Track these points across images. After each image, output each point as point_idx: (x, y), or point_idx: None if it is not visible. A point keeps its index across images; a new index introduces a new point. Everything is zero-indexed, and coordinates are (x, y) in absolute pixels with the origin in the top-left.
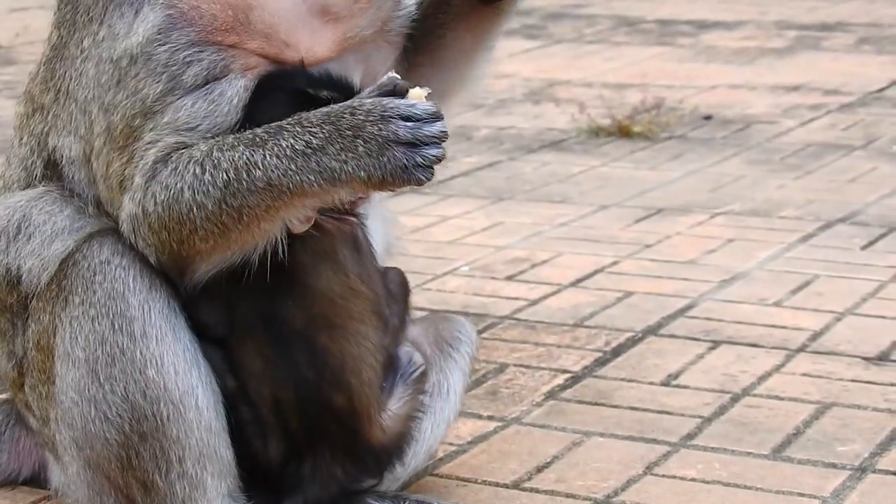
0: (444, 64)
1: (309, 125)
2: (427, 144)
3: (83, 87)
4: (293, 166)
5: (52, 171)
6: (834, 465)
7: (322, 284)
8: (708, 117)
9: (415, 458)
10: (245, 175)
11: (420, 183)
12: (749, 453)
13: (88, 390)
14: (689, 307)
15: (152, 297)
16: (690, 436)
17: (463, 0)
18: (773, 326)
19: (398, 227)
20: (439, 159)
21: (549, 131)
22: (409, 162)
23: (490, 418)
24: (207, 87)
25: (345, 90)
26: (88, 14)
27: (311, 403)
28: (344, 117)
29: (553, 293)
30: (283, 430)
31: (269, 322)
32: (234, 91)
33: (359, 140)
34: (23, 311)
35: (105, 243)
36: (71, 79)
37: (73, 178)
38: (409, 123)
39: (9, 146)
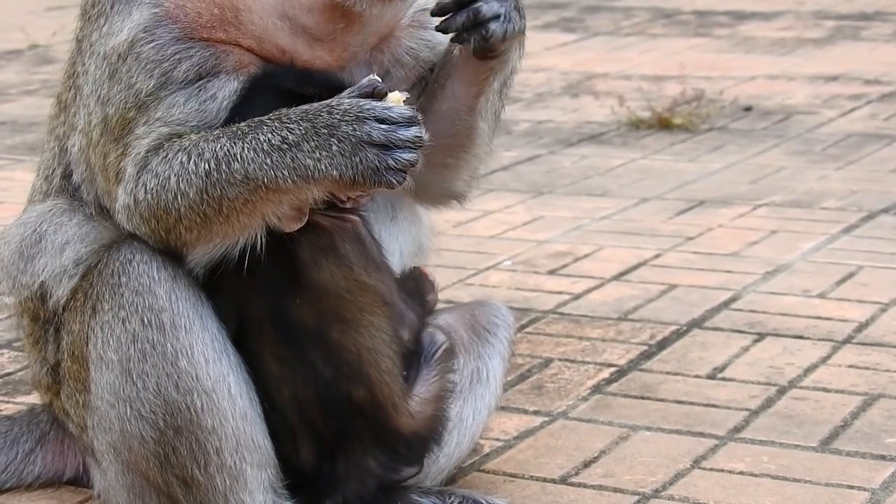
0: (444, 115)
1: (287, 121)
2: (401, 148)
3: (86, 81)
4: (269, 161)
5: (67, 181)
6: (883, 457)
7: (325, 279)
8: (748, 108)
9: (458, 447)
10: (224, 166)
11: (391, 186)
12: (797, 446)
13: (123, 390)
14: (733, 299)
15: (178, 285)
16: (738, 429)
17: (461, 51)
18: (818, 318)
19: (432, 227)
20: (412, 164)
21: (587, 124)
22: (381, 164)
23: (536, 413)
24: (199, 83)
25: (335, 90)
26: (96, 8)
27: (333, 401)
28: (321, 115)
29: (596, 287)
30: (310, 432)
31: (279, 322)
32: (226, 94)
33: (333, 139)
34: (54, 320)
35: (123, 246)
36: (80, 75)
37: (79, 180)
38: (383, 126)
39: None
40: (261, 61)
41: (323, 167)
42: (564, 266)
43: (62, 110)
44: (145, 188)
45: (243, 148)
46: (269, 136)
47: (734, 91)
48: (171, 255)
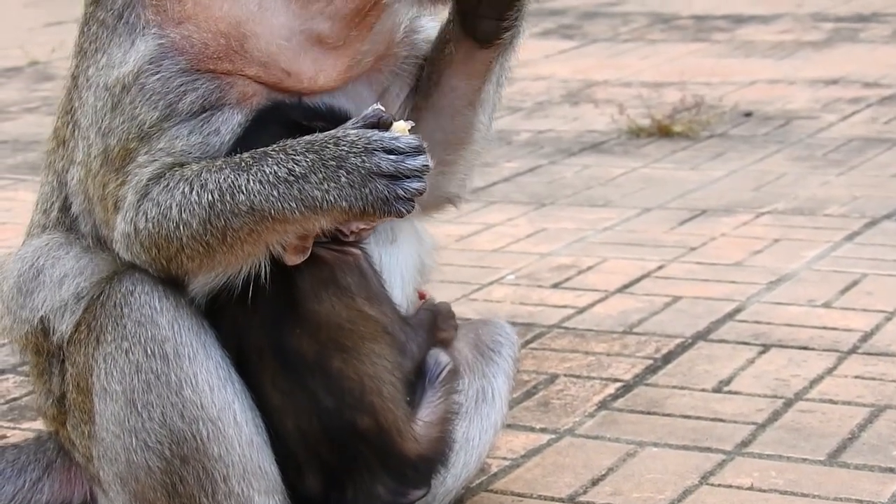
0: (442, 111)
1: (293, 153)
2: (409, 177)
3: (84, 114)
4: (275, 192)
5: (65, 214)
6: (891, 470)
7: (326, 310)
8: (748, 114)
9: (465, 467)
10: (229, 198)
11: (400, 215)
12: (805, 459)
13: (128, 421)
14: (737, 310)
15: (180, 314)
16: (745, 443)
17: (458, 45)
18: (824, 328)
19: (434, 244)
20: (421, 192)
21: (588, 133)
22: (391, 194)
23: (543, 431)
24: (204, 116)
25: (341, 122)
26: (94, 44)
27: (337, 430)
28: (328, 147)
29: (600, 300)
30: (316, 461)
31: (278, 352)
32: (230, 127)
33: (342, 170)
34: (58, 353)
35: (124, 277)
36: (77, 109)
37: (77, 212)
38: (391, 156)
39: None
40: (266, 89)
41: (332, 198)
42: (568, 279)
43: (60, 145)
44: (146, 217)
45: (248, 179)
46: (276, 167)
47: (734, 97)
48: (173, 285)
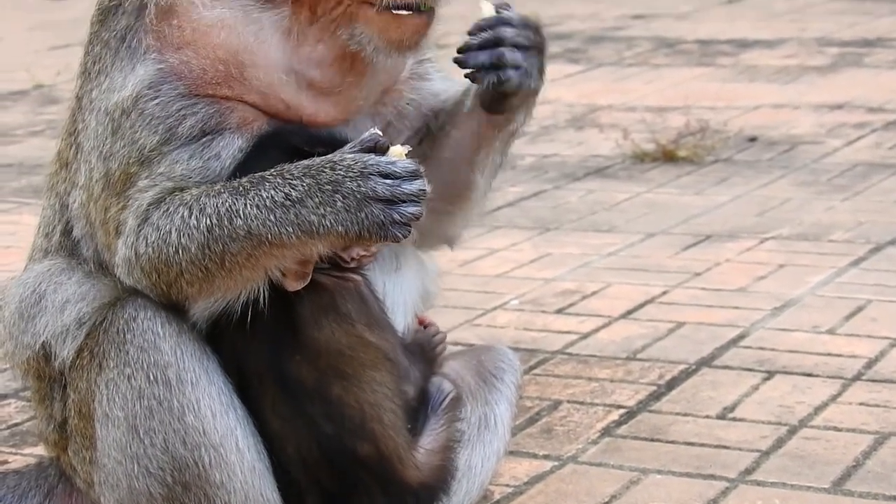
0: (443, 164)
1: (290, 177)
2: (405, 202)
3: (87, 137)
4: (272, 217)
5: (67, 238)
6: (895, 498)
7: (326, 337)
8: (753, 139)
9: (468, 495)
10: (227, 222)
11: (396, 240)
12: (809, 487)
13: (130, 447)
14: (741, 336)
15: (182, 340)
16: (749, 470)
17: (472, 107)
18: (828, 354)
19: (437, 271)
20: (417, 217)
21: (593, 158)
22: (387, 219)
23: (546, 457)
24: (204, 140)
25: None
26: (97, 65)
27: (338, 457)
28: (324, 172)
29: (604, 326)
30: (317, 488)
31: (278, 378)
32: (230, 152)
33: (338, 195)
34: (60, 379)
35: (127, 303)
36: (80, 132)
37: (79, 236)
38: (388, 181)
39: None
40: (265, 117)
41: (328, 223)
42: (572, 304)
43: (63, 167)
44: (146, 241)
45: (246, 204)
46: (273, 192)
47: (739, 121)
48: (176, 310)
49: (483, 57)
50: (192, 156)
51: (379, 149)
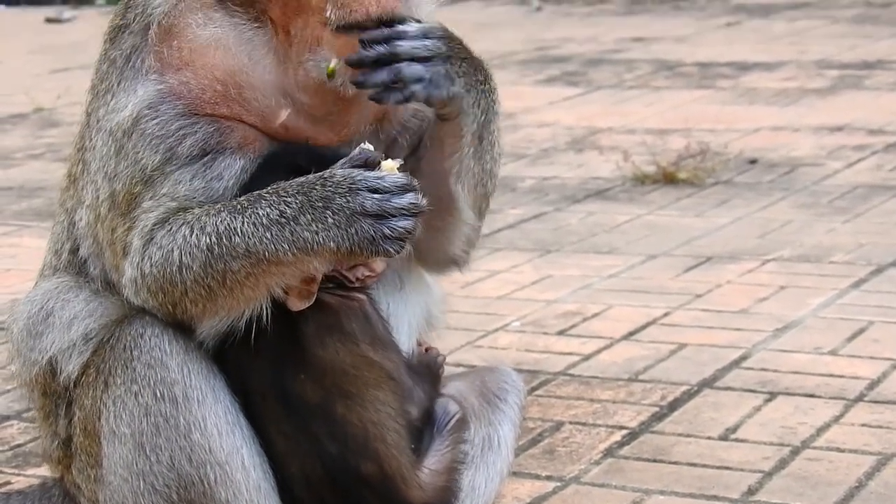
0: (426, 176)
1: (285, 195)
2: (395, 216)
3: (94, 157)
4: (268, 235)
5: (75, 255)
6: None
7: (330, 356)
8: (753, 161)
9: None
10: (226, 241)
11: (389, 255)
12: None
13: (136, 464)
14: (743, 358)
15: (190, 357)
16: (751, 491)
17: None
18: (830, 376)
19: (443, 295)
20: (410, 231)
21: (593, 180)
22: (377, 234)
23: (548, 478)
24: (205, 160)
25: None
26: (104, 83)
27: (341, 476)
28: (315, 189)
29: (606, 347)
30: None
31: (282, 397)
32: (232, 172)
33: (328, 211)
34: (65, 395)
35: (134, 320)
36: (88, 150)
37: (86, 255)
38: (376, 195)
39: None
40: (266, 138)
41: (321, 239)
42: (573, 326)
43: (71, 183)
44: (151, 261)
45: (243, 222)
46: (268, 210)
47: (739, 144)
48: (183, 329)
49: (381, 75)
50: (194, 176)
51: (370, 164)
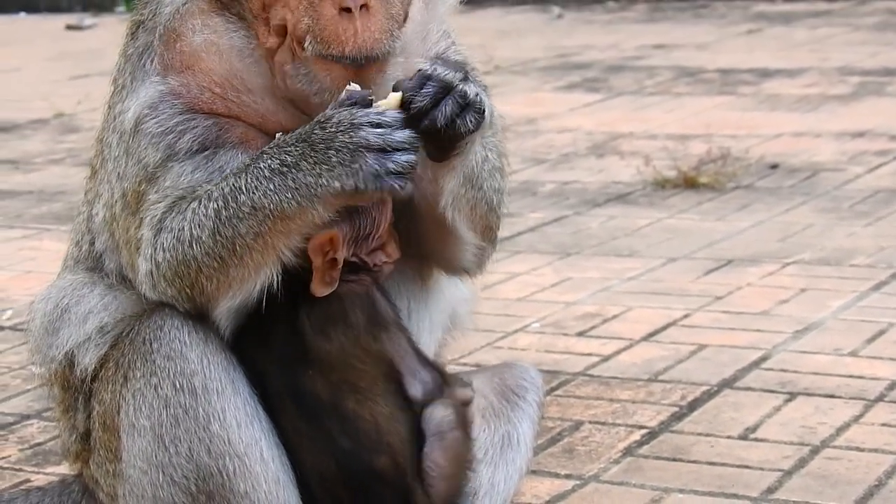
0: (417, 202)
1: (284, 145)
2: (398, 150)
3: (109, 156)
4: (271, 186)
5: (93, 247)
6: None
7: (336, 349)
8: (774, 166)
9: None
10: (232, 202)
11: (394, 191)
12: None
13: (155, 456)
14: (763, 359)
15: (209, 349)
16: (771, 490)
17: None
18: (850, 377)
19: (471, 295)
20: (412, 165)
21: (614, 184)
22: (381, 168)
23: (568, 477)
24: (205, 154)
25: None
26: (121, 79)
27: (355, 472)
28: (315, 132)
29: (625, 348)
30: (335, 502)
31: (294, 394)
32: (234, 166)
33: (331, 151)
34: (83, 388)
35: (154, 313)
36: (106, 146)
37: (101, 249)
38: (378, 129)
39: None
40: (267, 137)
41: (324, 181)
42: (593, 327)
43: (93, 175)
44: (163, 248)
45: (247, 179)
46: (269, 161)
47: (760, 149)
48: (202, 320)
49: (449, 108)
50: (196, 168)
51: (362, 103)
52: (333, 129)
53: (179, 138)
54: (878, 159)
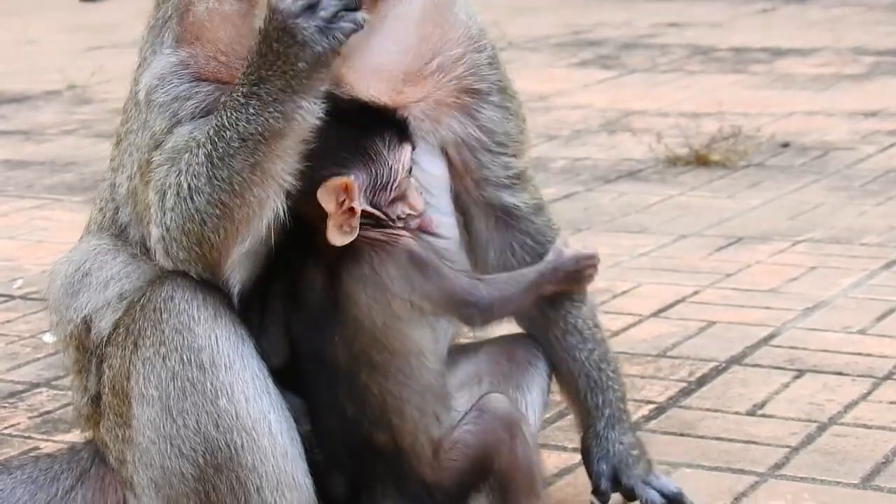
0: None
1: (248, 69)
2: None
3: (131, 126)
4: (251, 110)
5: (116, 215)
6: None
7: (363, 314)
8: (786, 144)
9: None
10: (219, 141)
11: (352, 30)
12: (838, 483)
13: (164, 427)
14: (772, 336)
15: (218, 324)
16: (778, 465)
17: None
18: (859, 354)
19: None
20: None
21: (625, 161)
22: (319, 21)
23: (575, 450)
24: (207, 118)
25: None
26: (144, 51)
27: (354, 439)
28: (256, 46)
29: (635, 324)
30: (337, 464)
31: (315, 358)
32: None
33: (275, 44)
34: (96, 351)
35: (165, 282)
36: (130, 119)
37: (126, 220)
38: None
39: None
40: None
41: (290, 70)
42: (603, 303)
43: (118, 143)
44: (169, 208)
45: (227, 113)
46: (242, 89)
47: (772, 127)
48: (214, 291)
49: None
50: (195, 128)
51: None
52: (267, 29)
53: (183, 105)
54: (891, 139)
